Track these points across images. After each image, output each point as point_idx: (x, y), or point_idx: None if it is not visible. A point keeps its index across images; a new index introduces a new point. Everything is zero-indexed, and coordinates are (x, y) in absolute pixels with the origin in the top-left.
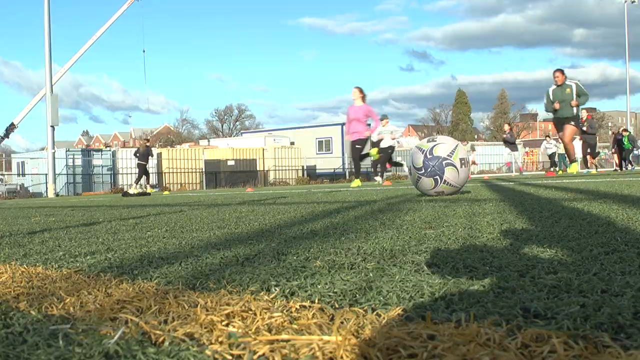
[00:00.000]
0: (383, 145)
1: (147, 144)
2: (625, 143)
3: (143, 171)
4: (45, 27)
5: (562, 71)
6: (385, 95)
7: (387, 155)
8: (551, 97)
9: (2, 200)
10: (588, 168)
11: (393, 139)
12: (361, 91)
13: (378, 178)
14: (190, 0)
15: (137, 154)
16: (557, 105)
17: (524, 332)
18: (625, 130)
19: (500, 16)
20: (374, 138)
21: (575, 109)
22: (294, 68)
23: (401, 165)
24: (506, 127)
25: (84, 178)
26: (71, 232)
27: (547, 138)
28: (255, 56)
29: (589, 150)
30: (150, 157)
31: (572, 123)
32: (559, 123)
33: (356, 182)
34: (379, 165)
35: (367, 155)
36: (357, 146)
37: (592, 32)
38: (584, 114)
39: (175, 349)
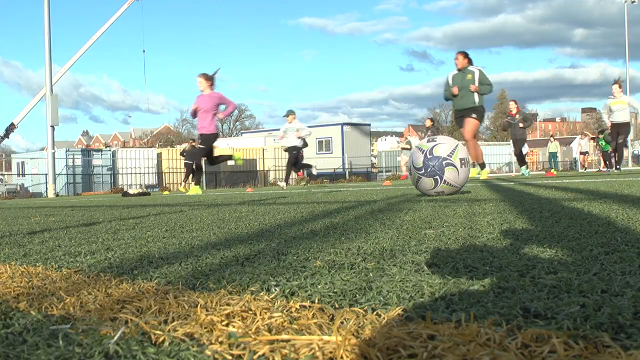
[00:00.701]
0: (288, 144)
1: (193, 143)
2: (603, 144)
3: (190, 170)
4: (45, 27)
5: (464, 54)
6: (385, 95)
7: (292, 157)
8: (450, 82)
9: (2, 200)
10: (525, 168)
11: (299, 137)
12: (208, 78)
13: (282, 183)
14: (190, 0)
15: (184, 154)
16: (455, 90)
17: (524, 332)
18: (601, 132)
19: (500, 16)
20: (285, 139)
21: (477, 98)
22: (294, 68)
23: (310, 167)
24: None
25: (84, 178)
26: (71, 232)
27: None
28: (255, 56)
29: (523, 149)
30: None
31: (474, 116)
32: (459, 116)
33: (194, 189)
34: (308, 169)
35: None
36: (199, 145)
37: (592, 32)
38: (512, 106)
39: (175, 349)
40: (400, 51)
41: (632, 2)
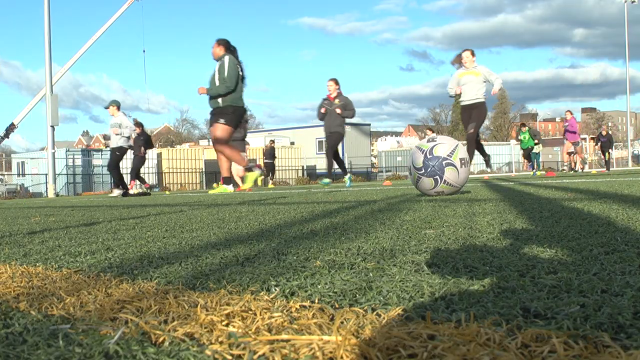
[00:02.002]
0: (111, 144)
1: (273, 144)
2: (524, 139)
3: (271, 168)
4: (45, 27)
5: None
6: (385, 95)
7: (112, 161)
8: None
9: (2, 200)
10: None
11: (117, 134)
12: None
13: (117, 191)
14: (190, 0)
15: (265, 153)
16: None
17: (524, 332)
18: (524, 125)
19: (499, 16)
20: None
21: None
22: (294, 68)
23: (143, 181)
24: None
25: (84, 178)
26: (71, 232)
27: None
28: (255, 56)
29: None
30: (275, 157)
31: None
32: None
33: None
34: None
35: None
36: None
37: (592, 32)
38: (331, 87)
39: (175, 349)
40: (400, 51)
41: (632, 2)
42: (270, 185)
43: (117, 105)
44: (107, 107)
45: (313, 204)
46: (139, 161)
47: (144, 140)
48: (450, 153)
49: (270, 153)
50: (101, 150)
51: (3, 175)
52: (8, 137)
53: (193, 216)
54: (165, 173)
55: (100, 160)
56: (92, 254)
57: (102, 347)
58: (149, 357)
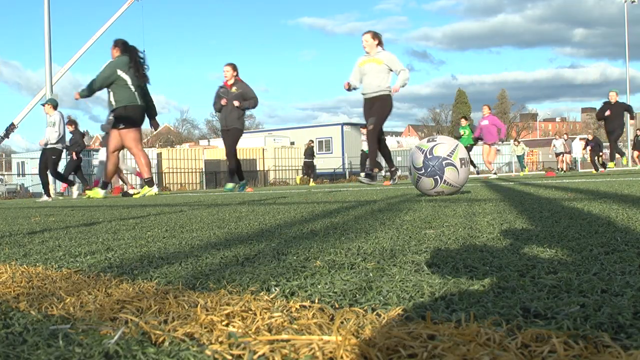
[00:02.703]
0: (44, 143)
1: (311, 144)
2: (464, 135)
3: (309, 167)
4: (45, 27)
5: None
6: None
7: (44, 164)
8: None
9: (2, 200)
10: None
11: (60, 137)
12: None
13: (43, 198)
14: (190, 0)
15: (305, 153)
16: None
17: (524, 332)
18: (465, 118)
19: (499, 16)
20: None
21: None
22: (294, 68)
23: (73, 183)
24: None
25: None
26: (71, 232)
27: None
28: (255, 56)
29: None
30: (314, 156)
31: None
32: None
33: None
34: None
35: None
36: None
37: (591, 32)
38: (227, 73)
39: (175, 349)
40: (400, 51)
41: (632, 2)
42: (311, 184)
43: (54, 104)
44: (43, 105)
45: (313, 204)
46: (73, 164)
47: (74, 141)
48: (450, 153)
49: (309, 152)
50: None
51: (3, 175)
52: (8, 137)
53: (193, 216)
54: (165, 173)
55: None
56: (92, 254)
57: (102, 347)
58: (149, 357)
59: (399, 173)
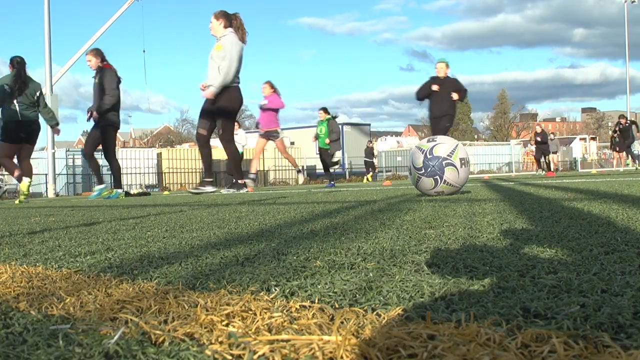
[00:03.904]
0: None
1: (370, 144)
2: (321, 134)
3: (370, 166)
4: (45, 27)
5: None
6: (385, 95)
7: None
8: None
9: (2, 200)
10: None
11: None
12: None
13: None
14: (190, 0)
15: (365, 153)
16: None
17: (524, 332)
18: (325, 109)
19: (499, 16)
20: None
21: None
22: (294, 68)
23: None
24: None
25: (84, 178)
26: (71, 232)
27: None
28: (255, 56)
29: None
30: (374, 156)
31: None
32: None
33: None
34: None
35: None
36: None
37: (591, 32)
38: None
39: (175, 349)
40: (400, 51)
41: (632, 1)
42: (368, 179)
43: None
44: None
45: (313, 204)
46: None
47: None
48: (450, 153)
49: (370, 152)
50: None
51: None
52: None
53: (193, 216)
54: (165, 173)
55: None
56: (92, 254)
57: (102, 347)
58: (149, 357)
59: (250, 184)
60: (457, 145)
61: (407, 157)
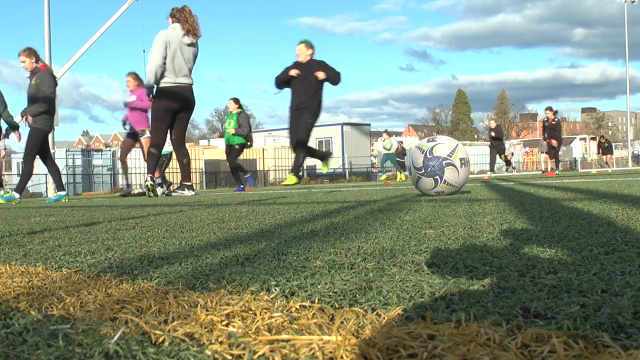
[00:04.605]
0: None
1: (401, 145)
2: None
3: (402, 165)
4: (45, 27)
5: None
6: (385, 95)
7: None
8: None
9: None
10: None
11: None
12: None
13: None
14: (190, 1)
15: (397, 153)
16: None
17: (524, 332)
18: (236, 100)
19: (499, 16)
20: None
21: None
22: None
23: None
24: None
25: (84, 178)
26: (71, 232)
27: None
28: (255, 56)
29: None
30: (405, 155)
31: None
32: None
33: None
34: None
35: None
36: None
37: (591, 32)
38: None
39: (175, 349)
40: (400, 51)
41: (632, 1)
42: (402, 177)
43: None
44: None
45: (313, 204)
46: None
47: None
48: (450, 153)
49: (402, 153)
50: (101, 151)
51: (3, 175)
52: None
53: (193, 216)
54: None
55: (100, 161)
56: (92, 254)
57: (102, 347)
58: (149, 357)
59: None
60: (457, 145)
61: (407, 157)
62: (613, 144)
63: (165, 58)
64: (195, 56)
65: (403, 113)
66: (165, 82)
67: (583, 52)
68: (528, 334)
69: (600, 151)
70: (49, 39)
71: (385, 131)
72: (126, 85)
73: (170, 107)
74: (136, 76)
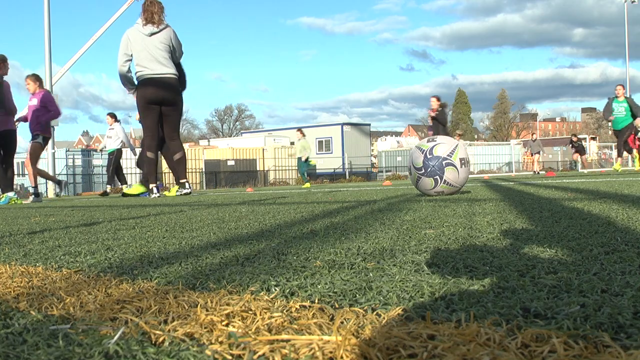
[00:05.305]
0: None
1: (459, 138)
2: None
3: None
4: (45, 27)
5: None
6: (384, 95)
7: None
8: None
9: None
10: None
11: None
12: None
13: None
14: (190, 1)
15: None
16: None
17: (524, 332)
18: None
19: (499, 16)
20: None
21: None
22: (294, 68)
23: None
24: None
25: (84, 178)
26: (71, 232)
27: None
28: (255, 56)
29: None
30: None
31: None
32: None
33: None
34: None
35: None
36: None
37: (591, 32)
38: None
39: (175, 349)
40: (400, 51)
41: (632, 1)
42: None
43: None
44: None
45: (313, 204)
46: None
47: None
48: (450, 153)
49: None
50: (101, 151)
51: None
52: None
53: (193, 216)
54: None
55: (100, 161)
56: (92, 254)
57: (102, 347)
58: (149, 357)
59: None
60: (457, 145)
61: (407, 157)
62: (595, 144)
63: (130, 56)
64: (165, 44)
65: (403, 113)
66: (141, 75)
67: (583, 52)
68: (528, 334)
69: (574, 151)
70: (49, 39)
71: (299, 130)
72: (26, 88)
73: (149, 98)
74: (36, 77)
